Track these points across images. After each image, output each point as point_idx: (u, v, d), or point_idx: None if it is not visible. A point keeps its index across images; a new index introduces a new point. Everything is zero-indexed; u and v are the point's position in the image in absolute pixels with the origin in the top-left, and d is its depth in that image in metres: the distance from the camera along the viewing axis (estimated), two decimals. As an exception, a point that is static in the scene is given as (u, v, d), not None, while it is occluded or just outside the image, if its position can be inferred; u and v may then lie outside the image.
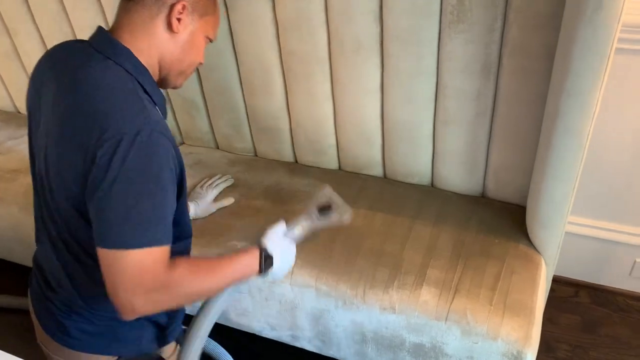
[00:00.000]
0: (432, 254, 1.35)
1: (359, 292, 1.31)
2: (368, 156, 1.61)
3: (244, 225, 1.50)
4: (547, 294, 1.68)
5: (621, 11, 0.96)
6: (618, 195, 1.58)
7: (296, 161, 1.75)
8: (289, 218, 1.24)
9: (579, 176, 1.20)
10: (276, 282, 1.19)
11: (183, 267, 0.93)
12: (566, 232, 1.67)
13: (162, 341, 1.14)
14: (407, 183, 1.61)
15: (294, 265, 1.35)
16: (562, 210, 1.26)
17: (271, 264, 1.09)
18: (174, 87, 1.05)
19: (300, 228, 1.19)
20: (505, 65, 1.28)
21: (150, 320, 1.10)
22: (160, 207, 0.88)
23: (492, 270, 1.30)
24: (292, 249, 1.16)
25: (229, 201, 1.59)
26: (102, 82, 0.88)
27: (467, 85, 1.34)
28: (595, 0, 0.95)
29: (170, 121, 1.87)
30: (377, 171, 1.64)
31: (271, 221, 1.48)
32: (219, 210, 1.57)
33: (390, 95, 1.44)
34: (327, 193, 1.26)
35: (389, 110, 1.48)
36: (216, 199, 1.60)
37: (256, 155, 1.81)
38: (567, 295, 1.79)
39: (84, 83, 0.88)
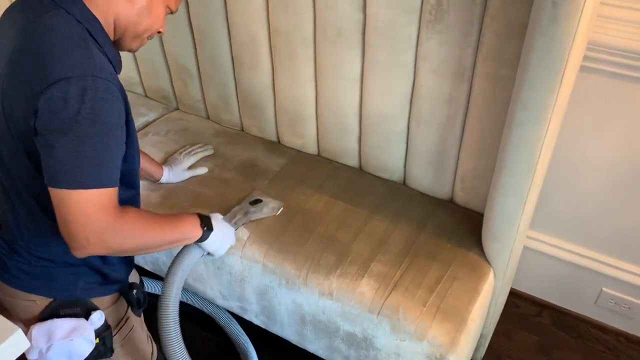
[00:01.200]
0: (380, 248, 1.36)
1: (302, 274, 1.33)
2: (344, 145, 1.62)
3: (211, 196, 1.54)
4: (502, 308, 1.67)
5: (577, 27, 0.94)
6: (590, 221, 1.55)
7: (279, 141, 1.77)
8: (254, 193, 1.48)
9: (530, 190, 1.19)
10: (215, 258, 1.25)
11: (132, 214, 1.00)
12: (536, 251, 1.66)
13: (99, 291, 1.18)
14: (378, 177, 1.62)
15: (247, 239, 1.39)
16: (513, 223, 1.25)
17: (211, 227, 1.16)
18: (130, 50, 1.07)
19: (234, 216, 1.38)
20: (479, 71, 1.27)
21: (88, 267, 1.14)
22: (108, 150, 0.92)
23: (435, 273, 1.30)
24: (231, 230, 1.24)
25: (202, 170, 1.63)
26: (50, 27, 0.92)
27: (440, 86, 1.33)
28: (550, 13, 0.94)
29: (166, 85, 1.92)
30: (353, 161, 1.65)
31: (237, 194, 1.53)
32: (191, 178, 1.62)
33: (369, 86, 1.44)
34: (257, 193, 1.52)
35: (367, 102, 1.48)
36: (192, 167, 1.64)
37: (242, 130, 1.84)
38: (530, 313, 1.76)
39: (34, 28, 0.92)
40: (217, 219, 1.21)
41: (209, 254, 1.22)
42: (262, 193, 1.51)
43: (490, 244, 1.33)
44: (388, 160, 1.57)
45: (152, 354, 1.36)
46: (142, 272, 1.74)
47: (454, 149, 1.43)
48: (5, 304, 1.16)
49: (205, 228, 1.16)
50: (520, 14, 1.13)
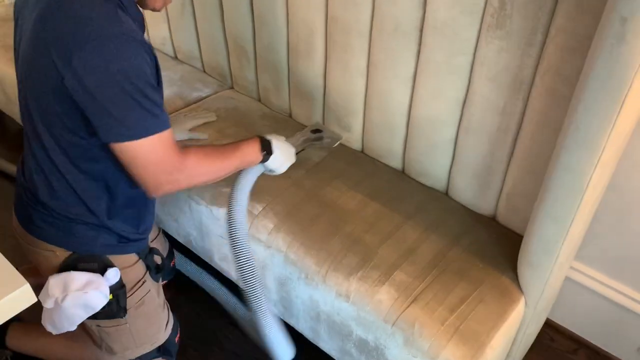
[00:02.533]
0: (408, 257, 1.30)
1: (322, 271, 1.30)
2: (389, 145, 1.56)
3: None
4: (534, 338, 1.57)
5: (646, 49, 0.84)
6: (644, 261, 1.42)
7: (325, 132, 1.74)
8: (316, 123, 1.61)
9: (575, 219, 1.09)
10: (277, 174, 1.34)
11: (194, 153, 1.09)
12: (579, 284, 1.55)
13: (118, 250, 1.20)
14: (420, 183, 1.55)
15: (273, 226, 1.37)
16: (551, 252, 1.16)
17: (271, 151, 1.26)
18: (153, 9, 1.10)
19: (297, 140, 1.46)
20: (538, 85, 1.18)
21: (106, 227, 1.16)
22: (152, 99, 0.97)
23: (461, 291, 1.23)
24: (292, 150, 1.36)
25: (202, 136, 1.67)
26: None
27: (495, 96, 1.25)
28: (617, 30, 0.85)
29: (223, 64, 1.92)
30: (396, 163, 1.59)
31: (271, 179, 1.51)
32: (190, 140, 1.65)
33: (421, 87, 1.38)
34: (318, 124, 1.60)
35: (417, 103, 1.42)
36: (193, 130, 1.68)
37: (290, 116, 1.82)
38: (564, 349, 1.65)
39: None
40: (278, 140, 1.30)
41: (271, 170, 1.31)
42: (322, 124, 1.61)
43: (525, 270, 1.24)
44: (432, 166, 1.50)
45: (167, 322, 1.38)
46: (175, 243, 1.77)
47: (502, 165, 1.35)
48: (28, 254, 1.20)
49: (264, 152, 1.25)
50: (589, 28, 1.03)
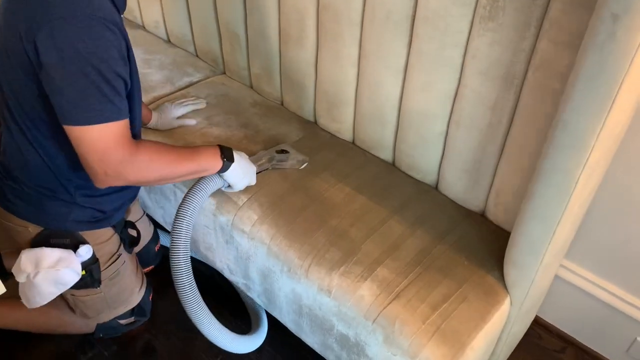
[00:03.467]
0: (392, 253, 1.28)
1: (305, 265, 1.27)
2: (380, 137, 1.53)
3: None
4: (520, 337, 1.56)
5: (638, 46, 0.80)
6: (634, 262, 1.39)
7: (315, 122, 1.71)
8: (283, 144, 1.55)
9: (562, 220, 1.06)
10: (234, 190, 1.31)
11: (148, 146, 1.04)
12: (569, 283, 1.53)
13: (89, 226, 1.19)
14: (410, 176, 1.52)
15: (257, 218, 1.35)
16: (537, 252, 1.13)
17: (232, 159, 1.20)
18: None
19: (259, 159, 1.40)
20: (530, 80, 1.14)
21: (78, 204, 1.15)
22: (111, 85, 0.94)
23: (444, 289, 1.21)
24: (253, 169, 1.31)
25: (191, 122, 1.63)
26: None
27: (486, 90, 1.22)
28: (608, 27, 0.81)
29: (215, 49, 1.89)
30: (387, 155, 1.56)
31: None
32: (180, 127, 1.62)
33: (412, 79, 1.34)
34: (285, 145, 1.53)
35: (407, 95, 1.38)
36: (181, 118, 1.64)
37: (282, 104, 1.78)
38: (552, 347, 1.63)
39: None
40: (240, 154, 1.25)
41: (229, 186, 1.26)
42: (290, 145, 1.53)
43: (510, 270, 1.22)
44: (422, 160, 1.47)
45: (141, 285, 1.42)
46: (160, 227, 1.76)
47: (492, 160, 1.31)
48: (4, 228, 1.19)
49: (225, 159, 1.19)
50: (583, 23, 0.99)
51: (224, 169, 1.19)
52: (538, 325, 1.66)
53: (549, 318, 1.66)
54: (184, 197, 1.22)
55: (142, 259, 1.53)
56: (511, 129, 1.23)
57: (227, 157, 1.20)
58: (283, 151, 1.48)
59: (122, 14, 1.06)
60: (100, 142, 0.95)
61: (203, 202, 1.23)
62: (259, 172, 1.38)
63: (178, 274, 1.21)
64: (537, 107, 1.15)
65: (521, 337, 1.57)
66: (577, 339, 1.62)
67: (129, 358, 1.56)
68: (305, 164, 1.48)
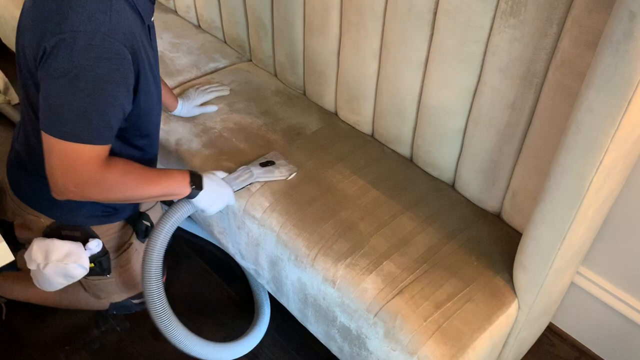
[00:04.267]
0: (399, 248, 1.26)
1: (312, 254, 1.27)
2: (399, 131, 1.51)
3: (249, 153, 1.51)
4: (532, 343, 1.52)
5: (656, 48, 0.77)
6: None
7: (336, 113, 1.70)
8: (268, 154, 1.46)
9: (573, 224, 1.03)
10: (208, 215, 1.26)
11: (118, 170, 1.00)
12: (586, 291, 1.48)
13: (100, 221, 1.21)
14: (427, 173, 1.50)
15: (269, 205, 1.35)
16: (547, 257, 1.10)
17: (200, 187, 1.16)
18: None
19: (237, 177, 1.34)
20: (550, 79, 1.11)
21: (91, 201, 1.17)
22: (99, 108, 0.92)
23: (450, 288, 1.19)
24: (226, 190, 1.24)
25: (212, 108, 1.64)
26: None
27: (505, 88, 1.19)
28: (625, 26, 0.78)
29: (243, 35, 1.90)
30: (404, 150, 1.54)
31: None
32: (201, 115, 1.63)
33: (432, 74, 1.32)
34: (272, 154, 1.44)
35: (427, 90, 1.36)
36: (205, 104, 1.65)
37: (304, 94, 1.78)
38: (565, 356, 1.59)
39: None
40: (211, 179, 1.20)
41: (202, 210, 1.22)
42: (278, 155, 1.45)
43: (519, 273, 1.19)
44: (440, 157, 1.44)
45: None
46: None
47: (509, 160, 1.28)
48: (16, 213, 1.23)
49: (193, 187, 1.15)
50: (604, 21, 0.96)
51: (192, 196, 1.17)
52: (552, 333, 1.62)
53: (564, 326, 1.62)
54: (155, 226, 1.21)
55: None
56: (530, 129, 1.20)
57: (196, 185, 1.17)
58: (268, 162, 1.41)
59: (148, 22, 1.06)
60: (68, 158, 0.93)
61: (173, 229, 1.21)
62: (241, 188, 1.34)
63: (153, 307, 1.20)
64: (556, 108, 1.12)
65: (533, 343, 1.54)
66: (592, 349, 1.58)
67: (140, 335, 1.60)
68: (294, 174, 1.41)
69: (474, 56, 1.21)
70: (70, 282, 1.17)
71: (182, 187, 1.14)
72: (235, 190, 1.31)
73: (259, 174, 1.38)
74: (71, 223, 1.17)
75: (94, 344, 1.56)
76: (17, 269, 1.55)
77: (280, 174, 1.40)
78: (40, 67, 0.91)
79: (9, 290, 1.51)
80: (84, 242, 1.16)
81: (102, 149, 0.96)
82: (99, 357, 1.54)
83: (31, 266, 1.15)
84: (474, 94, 1.27)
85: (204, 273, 1.76)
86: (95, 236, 1.18)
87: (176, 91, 1.71)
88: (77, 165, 0.93)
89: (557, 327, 1.63)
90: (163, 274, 1.53)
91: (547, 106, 1.14)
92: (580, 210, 1.01)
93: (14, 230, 1.42)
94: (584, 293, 1.50)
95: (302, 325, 1.46)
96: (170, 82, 1.77)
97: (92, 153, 0.94)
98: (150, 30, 1.10)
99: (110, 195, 1.02)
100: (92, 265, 1.19)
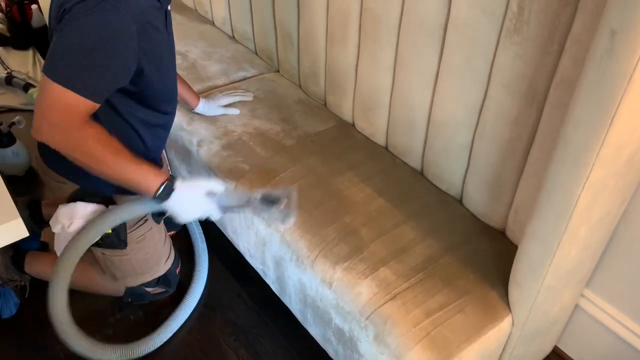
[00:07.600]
0: (398, 256, 1.29)
1: (312, 256, 1.32)
2: (410, 144, 1.54)
3: (265, 157, 1.57)
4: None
5: (637, 63, 0.78)
6: (661, 302, 1.31)
7: (353, 124, 1.75)
8: (281, 194, 1.24)
9: (561, 242, 1.04)
10: (180, 222, 1.22)
11: (92, 133, 1.04)
12: (592, 316, 1.46)
13: (121, 191, 1.26)
14: (435, 186, 1.52)
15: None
16: (537, 274, 1.11)
17: (162, 200, 1.13)
18: None
19: (232, 199, 1.23)
20: (551, 97, 1.12)
21: None
22: (98, 63, 0.99)
23: (442, 298, 1.20)
24: (203, 205, 1.18)
25: (234, 111, 1.72)
26: None
27: (508, 104, 1.21)
28: (607, 43, 0.80)
29: (272, 47, 1.98)
30: (415, 163, 1.57)
31: (283, 167, 1.53)
32: (223, 115, 1.72)
33: (441, 88, 1.35)
34: (286, 193, 1.24)
35: (437, 104, 1.39)
36: (228, 106, 1.74)
37: (325, 105, 1.84)
38: (569, 382, 1.56)
39: None
40: (194, 187, 1.16)
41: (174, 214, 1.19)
42: (292, 196, 1.24)
43: (513, 289, 1.20)
44: (448, 170, 1.46)
45: (167, 257, 1.51)
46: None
47: (511, 176, 1.29)
48: (45, 182, 1.33)
49: (160, 192, 1.12)
50: (602, 40, 0.97)
51: (158, 199, 1.13)
52: (556, 356, 1.59)
53: (570, 351, 1.59)
54: (93, 219, 1.21)
55: (165, 224, 1.61)
56: (532, 146, 1.21)
57: (164, 193, 1.12)
58: (273, 200, 1.22)
59: (165, 7, 1.15)
60: (52, 98, 0.97)
61: (110, 227, 1.22)
62: (235, 211, 1.31)
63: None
64: (557, 125, 1.13)
65: (534, 365, 1.52)
66: (597, 376, 1.54)
67: (152, 325, 1.66)
68: (290, 223, 1.25)
69: (481, 71, 1.24)
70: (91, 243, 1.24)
71: (149, 187, 1.11)
72: (224, 209, 1.23)
73: (256, 207, 1.23)
74: (94, 190, 1.26)
75: (107, 330, 1.64)
76: (40, 247, 1.67)
77: (276, 217, 1.22)
78: (57, 26, 1.00)
79: (36, 269, 1.61)
80: (106, 206, 1.25)
81: (84, 104, 1.00)
82: (109, 342, 1.61)
83: (56, 229, 1.24)
84: (481, 109, 1.29)
85: (216, 262, 1.81)
86: (115, 203, 1.27)
87: (203, 95, 1.80)
88: (57, 106, 0.98)
89: (563, 351, 1.60)
90: (178, 265, 1.60)
91: (549, 123, 1.15)
92: (570, 227, 1.01)
93: (41, 210, 1.52)
94: (591, 319, 1.47)
95: (303, 327, 1.50)
96: (198, 86, 1.86)
97: (74, 101, 0.99)
98: (167, 15, 1.19)
99: (75, 153, 1.05)
100: (110, 231, 1.26)
